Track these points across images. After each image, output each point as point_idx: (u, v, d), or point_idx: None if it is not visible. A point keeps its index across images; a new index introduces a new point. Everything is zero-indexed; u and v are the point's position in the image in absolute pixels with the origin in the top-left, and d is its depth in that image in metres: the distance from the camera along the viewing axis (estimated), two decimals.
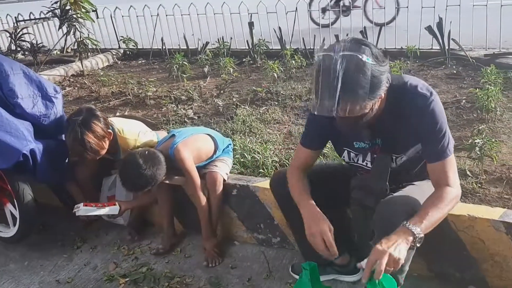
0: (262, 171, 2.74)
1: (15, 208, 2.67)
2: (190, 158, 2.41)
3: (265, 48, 5.20)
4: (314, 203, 1.80)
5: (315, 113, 1.52)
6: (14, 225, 2.74)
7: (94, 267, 2.56)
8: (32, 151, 2.44)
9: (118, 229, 2.83)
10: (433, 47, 4.77)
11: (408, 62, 4.47)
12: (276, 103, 3.84)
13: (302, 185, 1.88)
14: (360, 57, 1.45)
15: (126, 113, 3.99)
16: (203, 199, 2.43)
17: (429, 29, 4.52)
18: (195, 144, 2.50)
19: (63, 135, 2.56)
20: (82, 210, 2.52)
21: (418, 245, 1.54)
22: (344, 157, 1.91)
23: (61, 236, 2.85)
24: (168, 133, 2.72)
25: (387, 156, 1.79)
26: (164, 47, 5.91)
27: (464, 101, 3.44)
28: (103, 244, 2.76)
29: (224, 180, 2.50)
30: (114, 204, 2.56)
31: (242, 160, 2.87)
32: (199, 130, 2.73)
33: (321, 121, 1.70)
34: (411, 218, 1.57)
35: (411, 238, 1.52)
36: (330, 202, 1.86)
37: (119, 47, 6.49)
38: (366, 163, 1.85)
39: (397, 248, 1.48)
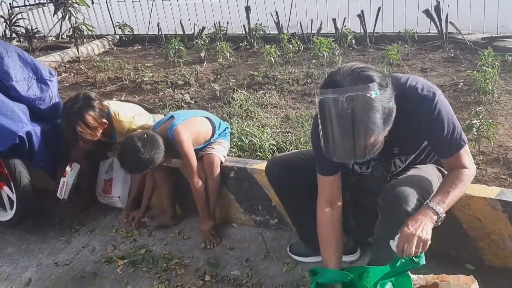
0: (260, 154, 2.73)
1: (12, 192, 2.68)
2: (189, 140, 2.40)
3: (262, 32, 5.15)
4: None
5: (334, 160, 1.47)
6: (11, 208, 2.74)
7: (92, 250, 2.56)
8: (28, 134, 2.43)
9: (116, 211, 2.83)
10: (431, 30, 4.74)
11: (406, 46, 4.45)
12: (273, 87, 3.82)
13: (331, 243, 1.82)
14: (369, 95, 1.35)
15: (122, 98, 3.97)
16: (199, 182, 2.43)
17: (426, 12, 4.49)
18: (194, 126, 2.49)
19: (59, 119, 2.55)
20: (69, 176, 2.65)
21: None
22: (348, 165, 1.88)
23: (59, 219, 2.84)
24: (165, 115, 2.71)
25: (388, 161, 1.78)
26: (160, 33, 5.85)
27: (461, 83, 3.43)
28: (101, 226, 2.76)
29: (221, 162, 2.50)
30: (70, 165, 2.70)
31: (239, 143, 2.86)
32: (197, 113, 2.73)
33: None
34: (433, 197, 1.57)
35: (435, 217, 1.52)
36: None
37: (115, 33, 6.42)
38: (369, 170, 1.85)
39: (424, 229, 1.48)
